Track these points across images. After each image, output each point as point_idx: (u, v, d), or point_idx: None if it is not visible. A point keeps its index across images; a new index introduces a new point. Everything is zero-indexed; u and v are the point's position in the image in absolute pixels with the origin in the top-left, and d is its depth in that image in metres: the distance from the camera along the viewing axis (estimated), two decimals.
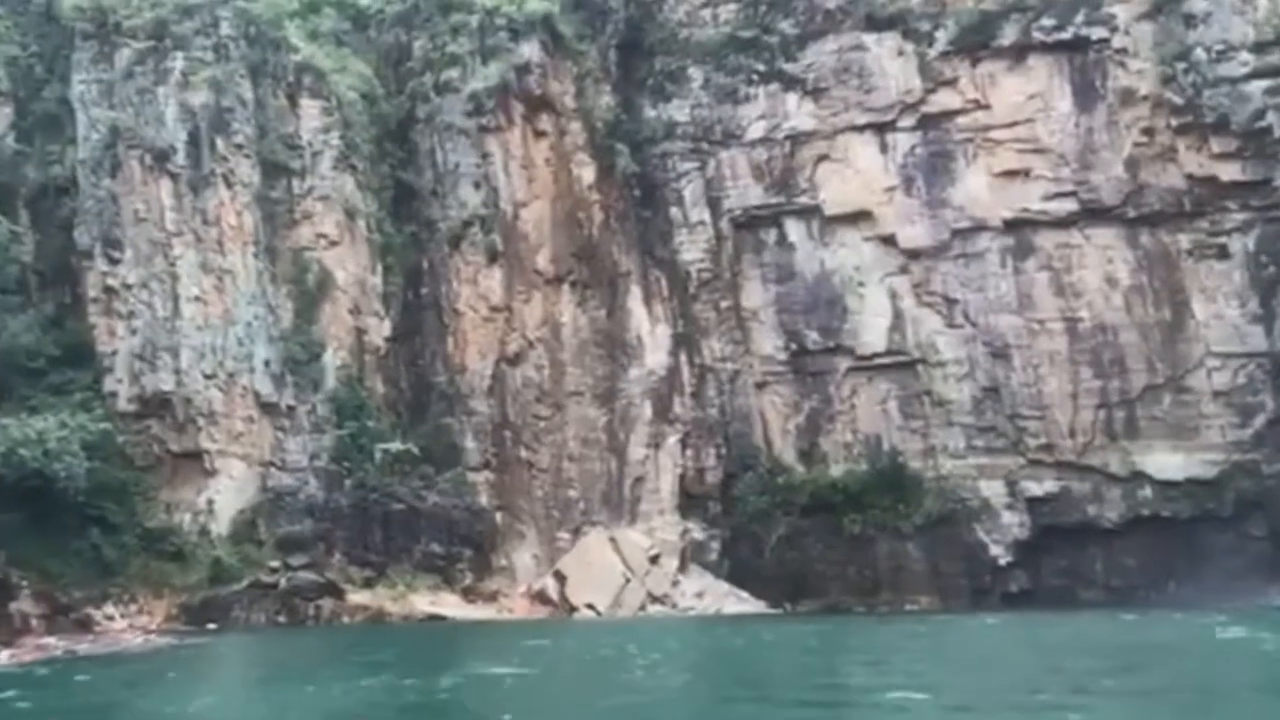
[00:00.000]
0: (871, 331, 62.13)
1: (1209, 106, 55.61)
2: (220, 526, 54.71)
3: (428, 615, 52.40)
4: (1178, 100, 56.39)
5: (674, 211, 64.86)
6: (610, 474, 61.40)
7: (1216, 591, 50.14)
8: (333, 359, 58.54)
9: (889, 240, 61.96)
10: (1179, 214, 57.60)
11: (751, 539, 60.01)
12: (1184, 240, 57.74)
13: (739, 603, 57.01)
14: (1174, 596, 52.66)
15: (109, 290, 57.34)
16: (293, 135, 60.47)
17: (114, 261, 57.38)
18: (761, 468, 61.85)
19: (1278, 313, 55.28)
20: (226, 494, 55.32)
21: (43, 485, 49.59)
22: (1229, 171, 56.07)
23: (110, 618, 50.09)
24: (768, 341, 63.90)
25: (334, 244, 59.88)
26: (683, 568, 58.58)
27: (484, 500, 59.29)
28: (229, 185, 58.01)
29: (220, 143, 58.00)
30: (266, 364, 57.10)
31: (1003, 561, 57.81)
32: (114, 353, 56.76)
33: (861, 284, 62.50)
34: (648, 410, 62.00)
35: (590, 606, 55.06)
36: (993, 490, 58.62)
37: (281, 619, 51.00)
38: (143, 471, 55.73)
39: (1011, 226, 59.95)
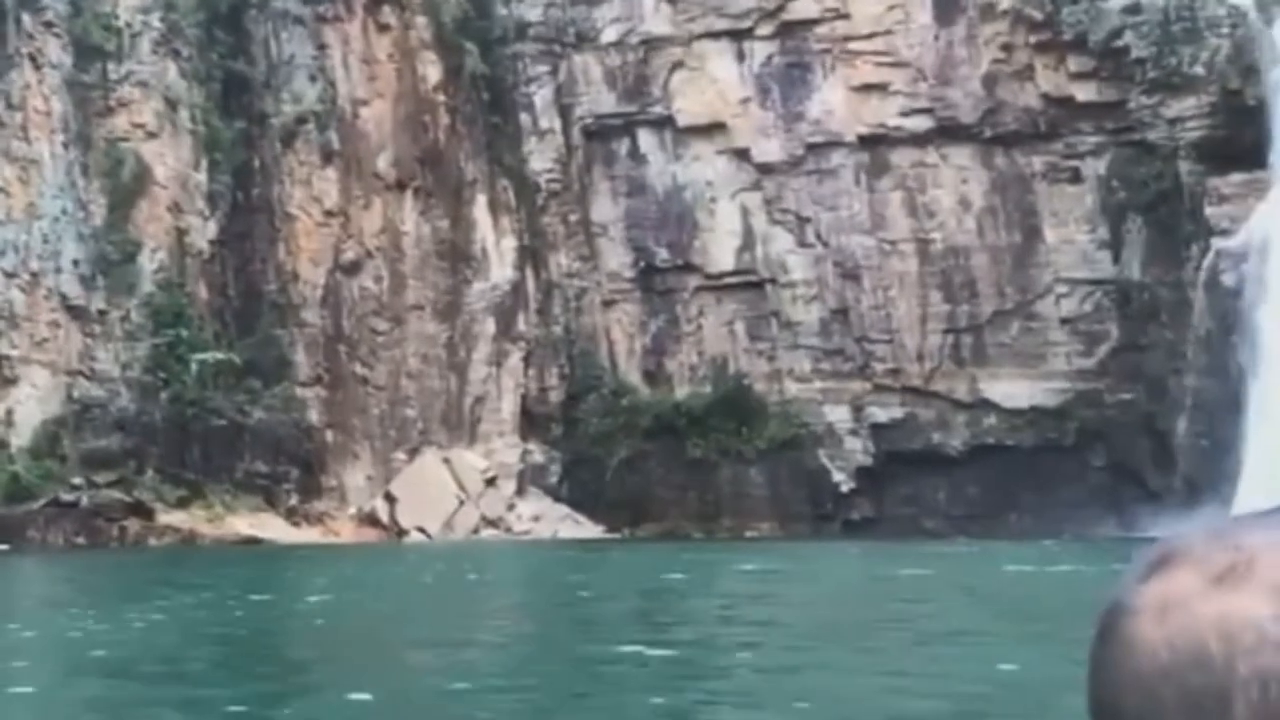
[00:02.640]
0: (722, 249, 62.25)
1: (1068, 24, 56.21)
2: (20, 439, 52.67)
3: (244, 538, 51.32)
4: (1037, 16, 56.94)
5: (524, 117, 64.08)
6: (450, 392, 60.96)
7: (1057, 521, 51.47)
8: (149, 261, 56.72)
9: (742, 154, 61.77)
10: (1034, 135, 58.31)
11: (593, 462, 60.08)
12: (1037, 162, 58.56)
13: (576, 527, 57.37)
14: (1015, 526, 54.42)
15: None
16: (109, 15, 57.18)
17: None
18: (605, 389, 61.84)
19: (1125, 239, 56.84)
20: (28, 404, 53.00)
21: None
22: (1085, 91, 56.92)
23: None
24: (616, 257, 63.77)
25: (153, 135, 57.41)
26: (520, 491, 58.75)
27: (314, 417, 58.29)
28: (36, 67, 55.24)
29: (27, 19, 54.99)
30: (75, 264, 54.83)
31: (845, 488, 58.96)
32: None
33: (713, 200, 62.45)
34: (491, 326, 61.55)
35: (421, 530, 54.89)
36: (837, 415, 59.46)
37: (81, 540, 49.46)
38: None
39: (867, 143, 60.08)
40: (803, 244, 61.25)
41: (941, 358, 59.58)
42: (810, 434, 59.31)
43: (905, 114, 59.73)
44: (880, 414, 59.36)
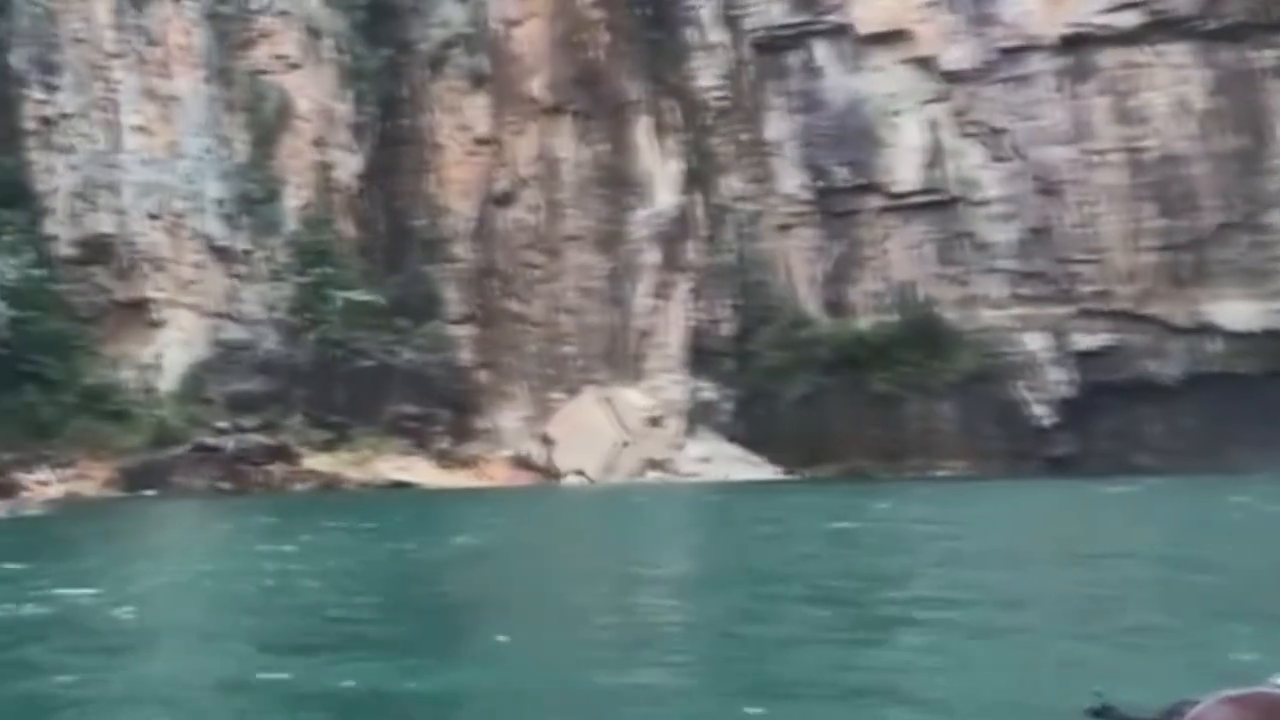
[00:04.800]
0: (906, 167, 59.73)
1: None
2: (167, 384, 53.42)
3: (391, 482, 50.88)
4: None
5: (688, 32, 62.44)
6: (611, 327, 59.66)
7: None
8: (294, 198, 56.68)
9: (927, 63, 59.36)
10: (1264, 26, 54.41)
11: (767, 399, 58.21)
12: (1268, 56, 54.69)
13: (750, 468, 55.51)
14: (1236, 461, 50.54)
15: (46, 121, 55.60)
16: None
17: (51, 89, 55.70)
18: (781, 320, 59.89)
19: None
20: (174, 348, 53.75)
21: None
22: None
23: (44, 483, 49.19)
24: (791, 178, 61.67)
25: (295, 67, 57.45)
26: (688, 430, 57.24)
27: (465, 357, 57.84)
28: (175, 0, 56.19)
29: None
30: (218, 203, 55.31)
31: (1046, 422, 55.84)
32: (53, 191, 55.33)
33: (896, 113, 60.04)
34: (655, 256, 60.02)
35: (579, 473, 53.74)
36: (1037, 343, 56.49)
37: (226, 485, 49.36)
38: (86, 323, 54.51)
39: (1068, 44, 57.15)
40: (996, 158, 58.43)
41: (1155, 278, 55.91)
42: (1006, 364, 56.45)
43: (1111, 9, 56.43)
44: (1085, 341, 56.06)
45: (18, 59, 55.83)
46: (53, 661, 12.75)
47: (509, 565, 23.85)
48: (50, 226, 54.92)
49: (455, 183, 59.49)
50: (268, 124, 56.87)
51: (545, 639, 14.18)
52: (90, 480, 49.86)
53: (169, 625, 16.35)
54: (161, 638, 15.40)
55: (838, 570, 20.02)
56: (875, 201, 60.31)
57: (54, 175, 55.22)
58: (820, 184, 61.00)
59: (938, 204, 59.12)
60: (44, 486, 48.65)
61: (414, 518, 36.75)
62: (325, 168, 57.73)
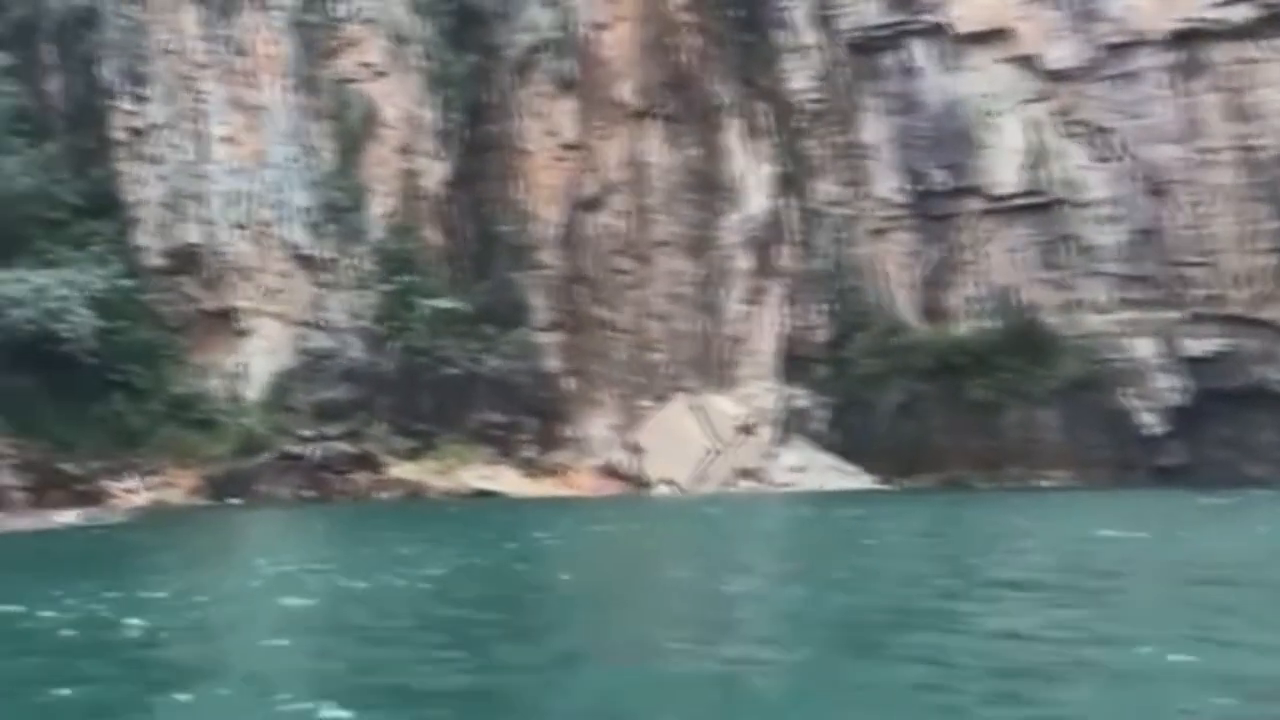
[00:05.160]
0: (1006, 168, 58.25)
1: None
2: (252, 392, 53.60)
3: (475, 491, 50.42)
4: None
5: (780, 34, 61.54)
6: (702, 334, 58.74)
7: None
8: (379, 206, 56.49)
9: (1028, 62, 57.98)
10: None
11: (862, 406, 56.99)
12: None
13: (844, 477, 54.25)
14: None
15: (135, 132, 56.09)
16: None
17: (140, 100, 56.23)
18: (876, 326, 58.69)
19: None
20: (259, 357, 53.92)
21: (55, 348, 48.98)
22: None
23: (131, 490, 49.50)
24: (886, 182, 60.49)
25: (381, 74, 57.37)
26: (782, 439, 56.13)
27: (552, 364, 57.16)
28: (262, 9, 56.01)
29: None
30: (304, 212, 55.33)
31: (1155, 431, 53.91)
32: (141, 202, 55.83)
33: (995, 114, 58.63)
34: (747, 261, 59.05)
35: (668, 482, 52.87)
36: (1144, 349, 54.56)
37: (309, 493, 49.44)
38: (174, 333, 54.91)
39: (1178, 40, 55.36)
40: (1101, 158, 56.87)
41: (1270, 281, 53.87)
42: (1111, 371, 54.63)
43: (1224, 3, 54.49)
44: (1196, 347, 54.08)
45: (108, 71, 56.55)
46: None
47: (653, 575, 23.10)
48: (139, 237, 55.43)
49: (542, 188, 58.96)
50: (353, 132, 56.81)
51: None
52: (176, 488, 50.14)
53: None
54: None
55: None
56: (974, 204, 58.88)
57: (143, 186, 55.73)
58: (917, 187, 59.77)
59: (1039, 206, 57.57)
60: (131, 494, 48.94)
61: (524, 523, 36.51)
62: (411, 175, 57.51)
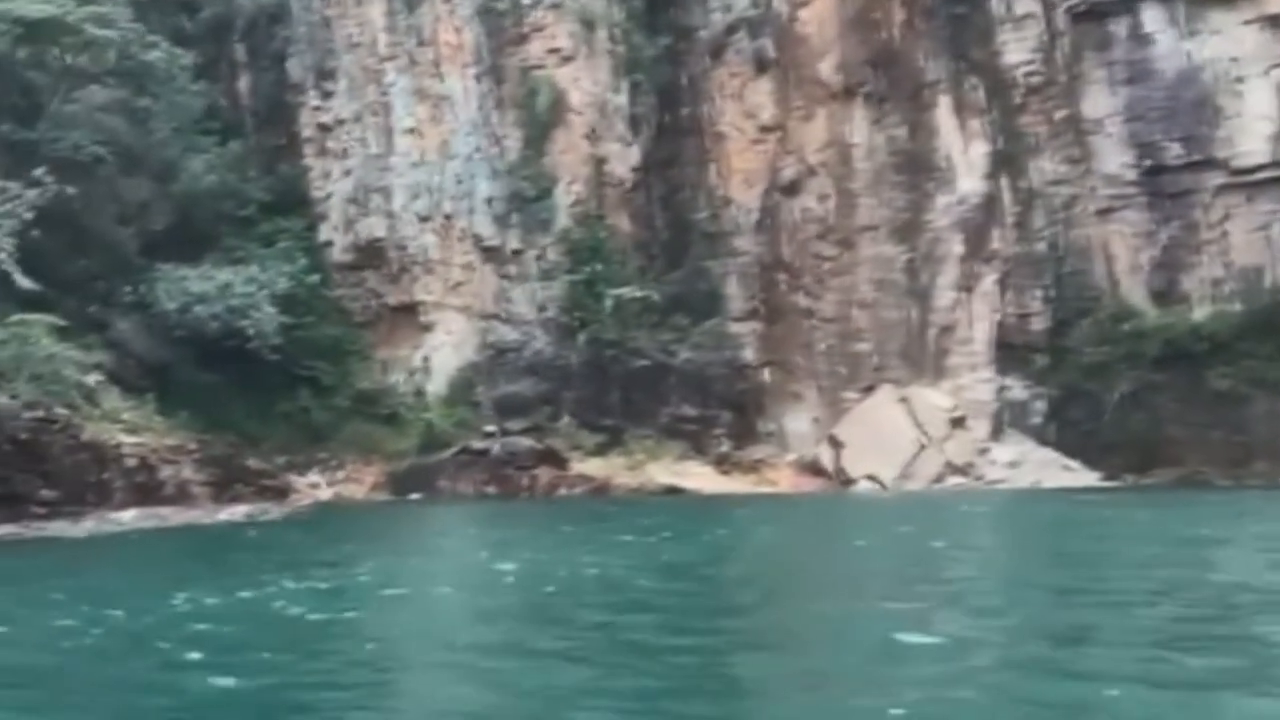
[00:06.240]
0: (1252, 138, 53.79)
1: None
2: (435, 386, 53.53)
3: (664, 488, 48.75)
4: None
5: (995, 5, 58.46)
6: (910, 323, 55.98)
7: None
8: (566, 194, 55.60)
9: (1278, 22, 53.80)
10: None
11: (1086, 398, 53.36)
12: None
13: (1065, 474, 50.72)
14: None
15: (323, 128, 56.82)
16: None
17: (327, 95, 56.79)
18: (1102, 312, 54.95)
19: None
20: (443, 351, 54.05)
21: (241, 345, 49.43)
22: None
23: (314, 485, 49.73)
24: (1114, 157, 56.69)
25: (568, 60, 56.44)
26: (995, 433, 53.01)
27: (749, 355, 55.30)
28: None
29: None
30: (489, 202, 54.94)
31: None
32: (328, 197, 56.29)
33: (1240, 80, 54.50)
34: (959, 246, 56.08)
35: (872, 478, 50.32)
36: None
37: (491, 489, 48.75)
38: (359, 328, 55.26)
39: None
40: None
41: None
42: None
43: None
44: None
45: (296, 67, 57.25)
46: None
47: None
48: (325, 233, 55.79)
49: (738, 173, 57.23)
50: (540, 120, 56.07)
51: None
52: (358, 483, 50.48)
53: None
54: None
55: None
56: (1214, 179, 54.71)
57: (329, 181, 56.36)
58: (1148, 162, 55.80)
59: None
60: (314, 489, 49.21)
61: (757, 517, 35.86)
62: (599, 162, 56.45)
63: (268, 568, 22.95)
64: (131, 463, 40.64)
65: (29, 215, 41.76)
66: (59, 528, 32.92)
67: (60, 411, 37.97)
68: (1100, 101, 57.14)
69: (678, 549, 26.58)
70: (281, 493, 46.93)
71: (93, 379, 42.15)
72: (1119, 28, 57.17)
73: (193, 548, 30.40)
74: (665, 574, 21.66)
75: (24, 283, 39.78)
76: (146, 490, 39.95)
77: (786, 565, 24.39)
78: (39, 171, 43.37)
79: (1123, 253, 56.10)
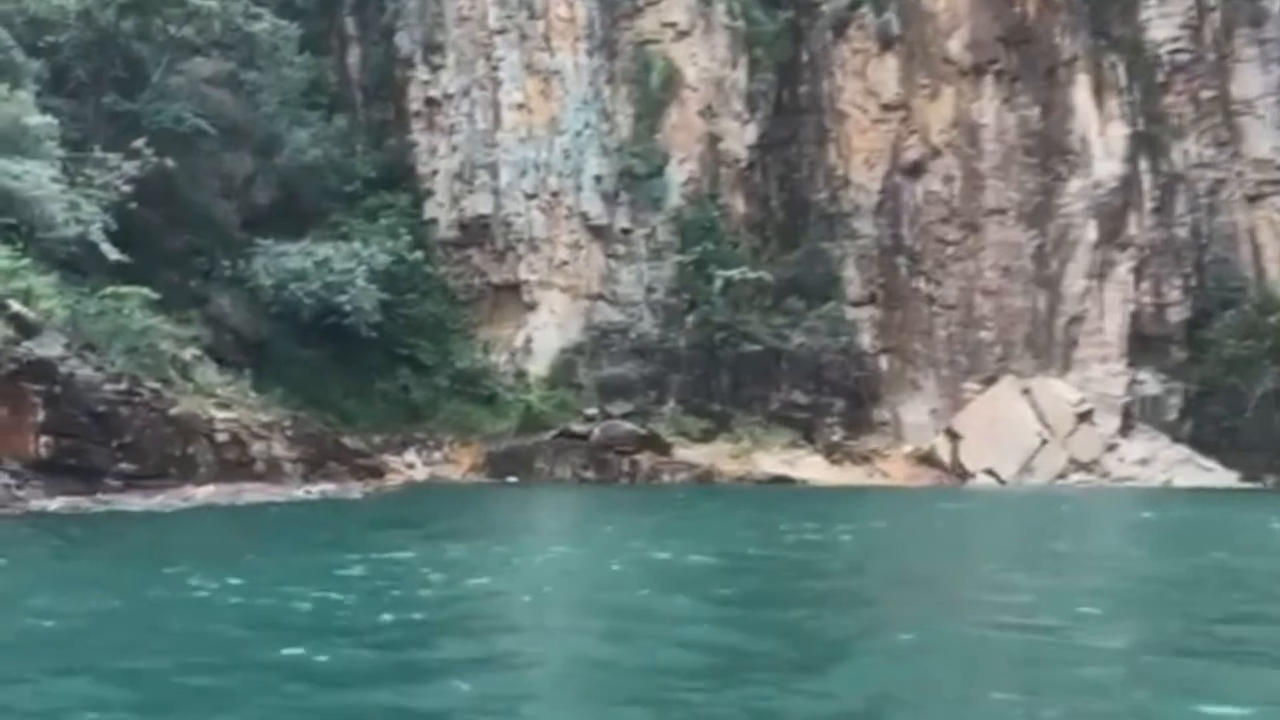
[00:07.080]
0: None
1: None
2: (537, 367, 52.70)
3: (772, 477, 47.35)
4: None
5: None
6: (1037, 311, 53.78)
7: None
8: (678, 172, 54.40)
9: None
10: None
11: (1227, 394, 50.91)
12: None
13: (1200, 473, 48.32)
14: None
15: (430, 103, 56.32)
16: None
17: (435, 69, 56.27)
18: (1247, 303, 52.62)
19: None
20: (546, 331, 53.28)
21: (340, 322, 48.92)
22: None
23: (410, 465, 49.09)
24: (1266, 140, 54.26)
25: (684, 35, 55.35)
26: (1125, 428, 50.67)
27: (866, 342, 53.72)
28: None
29: None
30: (597, 180, 53.94)
31: None
32: (434, 173, 55.76)
33: None
34: (1092, 231, 53.80)
35: (990, 473, 48.32)
36: None
37: (589, 474, 47.69)
38: (462, 306, 54.63)
39: None
40: None
41: None
42: None
43: None
44: None
45: (405, 41, 56.82)
46: None
47: None
48: (430, 209, 55.27)
49: (859, 152, 55.55)
50: (653, 96, 55.03)
51: None
52: (455, 464, 49.75)
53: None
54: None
55: None
56: None
57: (436, 157, 55.86)
58: None
59: None
60: (410, 469, 48.57)
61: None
62: (714, 139, 55.24)
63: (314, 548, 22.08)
64: (223, 438, 40.00)
65: (127, 188, 41.39)
66: (129, 501, 32.23)
67: (151, 385, 37.47)
68: (1251, 81, 54.79)
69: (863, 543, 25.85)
70: (377, 472, 46.15)
71: (189, 353, 41.80)
72: (1274, 3, 54.74)
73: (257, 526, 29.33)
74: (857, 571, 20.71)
75: (112, 254, 39.30)
76: (236, 466, 39.36)
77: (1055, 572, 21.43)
78: (139, 143, 42.97)
79: (1271, 241, 53.64)
